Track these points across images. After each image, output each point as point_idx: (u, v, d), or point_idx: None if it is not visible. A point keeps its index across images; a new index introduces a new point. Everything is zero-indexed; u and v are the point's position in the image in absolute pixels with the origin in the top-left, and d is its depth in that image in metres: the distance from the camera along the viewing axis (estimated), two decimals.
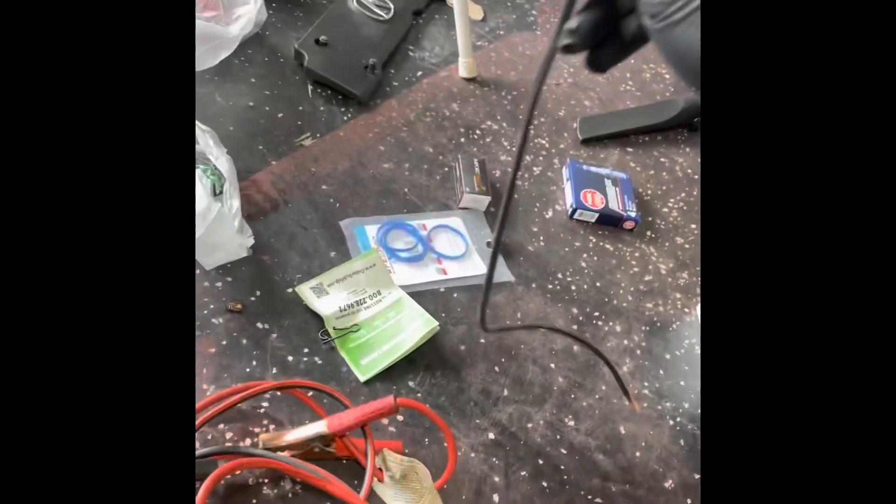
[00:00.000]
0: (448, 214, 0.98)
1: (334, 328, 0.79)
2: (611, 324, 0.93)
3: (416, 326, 0.81)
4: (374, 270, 0.85)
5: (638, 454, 0.81)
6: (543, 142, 1.15)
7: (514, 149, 1.11)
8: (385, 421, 0.75)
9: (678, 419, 0.86)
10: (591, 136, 1.17)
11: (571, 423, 0.81)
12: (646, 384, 0.88)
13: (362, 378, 0.77)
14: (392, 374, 0.79)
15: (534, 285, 0.94)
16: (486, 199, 0.99)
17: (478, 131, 1.11)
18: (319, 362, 0.77)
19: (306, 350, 0.77)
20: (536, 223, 1.02)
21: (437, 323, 0.82)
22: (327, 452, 0.69)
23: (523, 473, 0.75)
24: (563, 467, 0.77)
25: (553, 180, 1.09)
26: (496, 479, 0.74)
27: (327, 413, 0.70)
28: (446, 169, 1.03)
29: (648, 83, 1.34)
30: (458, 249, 0.94)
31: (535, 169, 1.10)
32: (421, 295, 0.87)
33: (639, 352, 0.92)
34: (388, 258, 0.89)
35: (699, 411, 0.87)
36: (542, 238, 1.01)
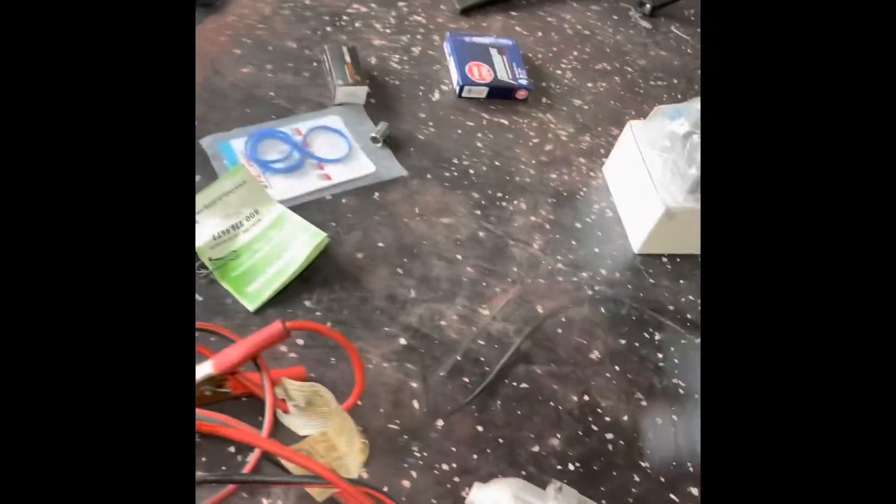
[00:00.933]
0: (324, 114, 0.89)
1: (210, 259, 0.71)
2: (516, 202, 0.88)
3: (302, 241, 0.74)
4: (246, 188, 0.76)
5: (560, 331, 0.78)
6: (419, 18, 1.05)
7: (388, 31, 1.01)
8: (283, 347, 0.68)
9: (596, 287, 0.82)
10: (470, 4, 1.08)
11: (486, 312, 0.77)
12: (559, 258, 0.84)
13: (251, 307, 0.70)
14: (285, 297, 0.72)
15: (429, 176, 0.87)
16: (363, 90, 0.90)
17: (344, 17, 1.01)
18: (200, 298, 0.69)
19: None
20: (423, 108, 0.94)
21: (326, 234, 0.75)
22: (221, 394, 0.63)
23: (441, 374, 0.71)
24: (482, 359, 0.73)
25: (435, 59, 1.00)
26: (414, 384, 0.69)
27: (215, 352, 0.63)
28: (315, 64, 0.93)
29: None
30: (340, 150, 0.85)
31: (413, 50, 1.00)
32: (306, 207, 0.79)
33: (548, 226, 0.87)
34: (261, 172, 0.80)
35: (618, 274, 0.84)
36: (431, 123, 0.93)
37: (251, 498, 0.59)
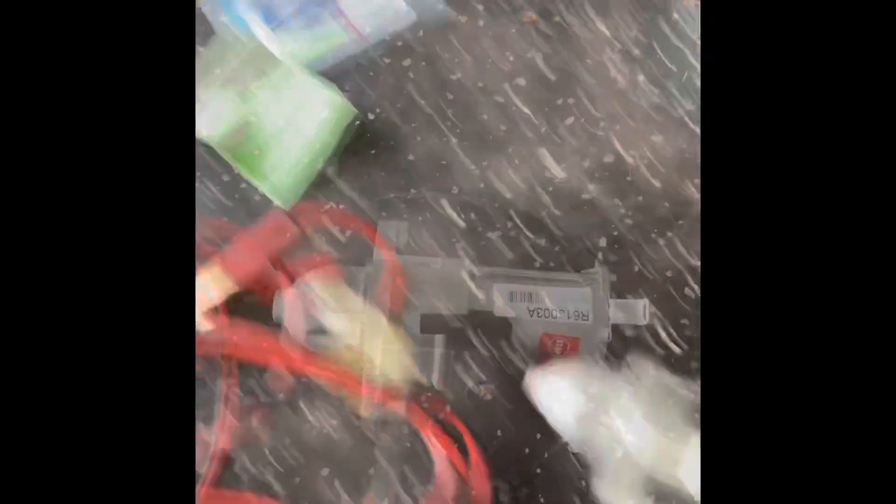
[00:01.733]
0: None
1: (230, 153, 0.63)
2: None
3: (326, 117, 0.63)
4: (251, 50, 0.65)
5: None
6: None
7: None
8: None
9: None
10: None
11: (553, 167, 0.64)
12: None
13: (283, 203, 0.62)
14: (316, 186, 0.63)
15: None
16: None
17: None
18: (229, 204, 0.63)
19: None
20: None
21: (354, 110, 0.64)
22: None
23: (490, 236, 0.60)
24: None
25: None
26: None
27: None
28: None
29: None
30: None
31: None
32: (328, 72, 0.67)
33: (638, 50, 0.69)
34: (268, 27, 0.68)
35: None
36: None
37: None
